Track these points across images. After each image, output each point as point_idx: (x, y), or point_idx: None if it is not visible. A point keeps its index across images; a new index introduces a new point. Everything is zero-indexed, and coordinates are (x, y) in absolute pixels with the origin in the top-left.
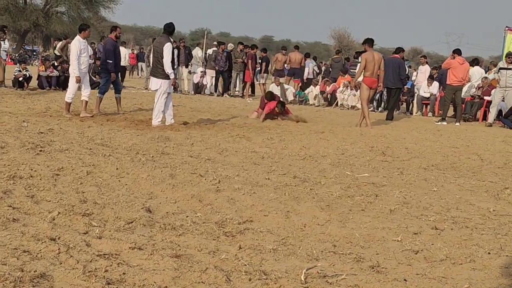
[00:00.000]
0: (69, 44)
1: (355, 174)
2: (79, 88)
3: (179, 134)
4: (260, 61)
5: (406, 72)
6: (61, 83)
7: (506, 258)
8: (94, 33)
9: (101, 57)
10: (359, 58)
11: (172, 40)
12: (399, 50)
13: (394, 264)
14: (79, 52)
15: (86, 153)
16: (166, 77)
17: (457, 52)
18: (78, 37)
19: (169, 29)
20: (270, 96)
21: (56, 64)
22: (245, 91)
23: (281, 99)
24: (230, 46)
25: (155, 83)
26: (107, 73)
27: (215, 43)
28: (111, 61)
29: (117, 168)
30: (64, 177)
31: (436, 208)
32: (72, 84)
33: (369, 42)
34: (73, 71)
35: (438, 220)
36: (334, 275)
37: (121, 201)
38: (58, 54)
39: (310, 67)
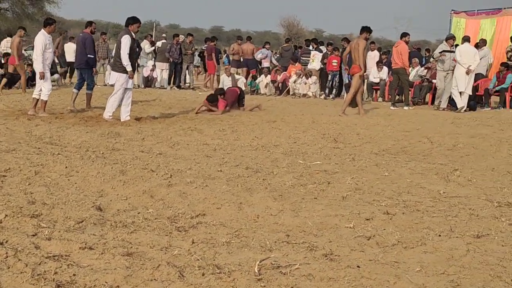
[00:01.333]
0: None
1: (307, 162)
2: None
3: (130, 129)
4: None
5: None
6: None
7: (456, 239)
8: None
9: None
10: (310, 46)
11: (132, 33)
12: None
13: (347, 251)
14: (44, 47)
15: (34, 153)
16: (124, 70)
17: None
18: (43, 31)
19: (127, 21)
20: (221, 91)
21: (2, 62)
22: (207, 81)
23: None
24: (181, 37)
25: (113, 76)
26: (90, 68)
27: (164, 35)
28: (92, 56)
29: (66, 167)
30: (11, 178)
31: (388, 193)
32: (46, 79)
33: (368, 30)
34: (38, 66)
35: (390, 205)
36: (288, 265)
37: (70, 201)
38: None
39: (269, 56)
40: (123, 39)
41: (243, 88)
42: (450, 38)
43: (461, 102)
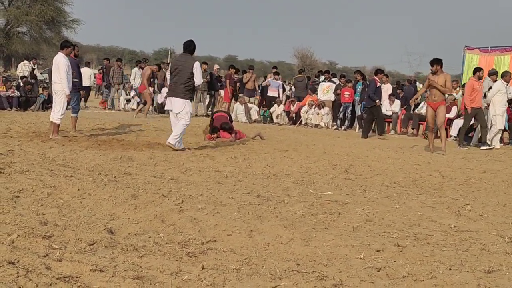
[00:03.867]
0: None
1: (318, 192)
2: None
3: (142, 154)
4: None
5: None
6: (23, 103)
7: (466, 274)
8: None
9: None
10: (320, 77)
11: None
12: (377, 72)
13: (357, 282)
14: (66, 69)
15: (47, 174)
16: (189, 97)
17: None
18: (62, 54)
19: (189, 47)
20: (212, 131)
21: (21, 84)
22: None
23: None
24: (216, 66)
25: (178, 103)
26: (76, 91)
27: None
28: (77, 80)
29: (78, 189)
30: (24, 199)
31: (399, 225)
32: (63, 102)
33: (440, 63)
34: (65, 89)
35: (400, 237)
36: None
37: (82, 223)
38: (21, 74)
39: (276, 87)
40: (195, 67)
41: (256, 117)
42: (493, 73)
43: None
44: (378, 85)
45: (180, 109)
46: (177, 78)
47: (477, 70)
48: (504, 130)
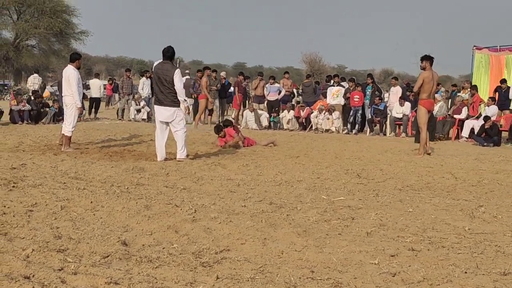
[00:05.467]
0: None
1: (331, 197)
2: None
3: (154, 164)
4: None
5: None
6: (34, 117)
7: (482, 276)
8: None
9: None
10: (331, 81)
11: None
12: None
13: None
14: (77, 81)
15: (60, 188)
16: (179, 104)
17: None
18: (72, 66)
19: (168, 53)
20: (217, 129)
21: (32, 98)
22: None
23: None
24: (222, 74)
25: (168, 112)
26: None
27: (187, 71)
28: None
29: (91, 202)
30: (37, 212)
31: (412, 229)
32: (74, 115)
33: (430, 59)
34: (76, 102)
35: (415, 241)
36: None
37: (96, 235)
38: (31, 88)
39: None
40: (175, 74)
41: (265, 124)
42: None
43: None
44: None
45: (171, 118)
46: (161, 86)
47: None
48: None
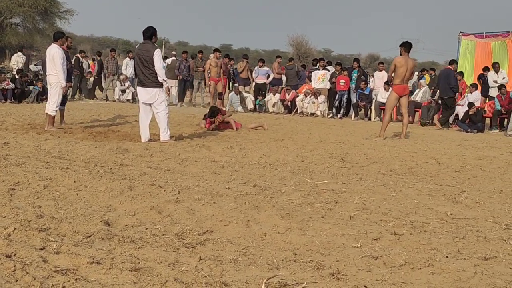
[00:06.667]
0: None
1: (315, 181)
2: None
3: (138, 145)
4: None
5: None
6: (17, 96)
7: (463, 261)
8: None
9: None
10: (317, 65)
11: (156, 45)
12: (452, 62)
13: (354, 271)
14: (62, 60)
15: (43, 167)
16: (161, 85)
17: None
18: (56, 45)
19: (148, 33)
20: (212, 113)
21: (17, 77)
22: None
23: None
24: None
25: (150, 93)
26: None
27: (173, 52)
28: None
29: (74, 181)
30: (20, 191)
31: (395, 213)
32: (58, 94)
33: (406, 46)
34: (61, 81)
35: (397, 225)
36: (295, 283)
37: (79, 215)
38: (15, 67)
39: (261, 74)
40: (155, 54)
41: (251, 106)
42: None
43: None
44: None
45: (153, 100)
46: (142, 67)
47: None
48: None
